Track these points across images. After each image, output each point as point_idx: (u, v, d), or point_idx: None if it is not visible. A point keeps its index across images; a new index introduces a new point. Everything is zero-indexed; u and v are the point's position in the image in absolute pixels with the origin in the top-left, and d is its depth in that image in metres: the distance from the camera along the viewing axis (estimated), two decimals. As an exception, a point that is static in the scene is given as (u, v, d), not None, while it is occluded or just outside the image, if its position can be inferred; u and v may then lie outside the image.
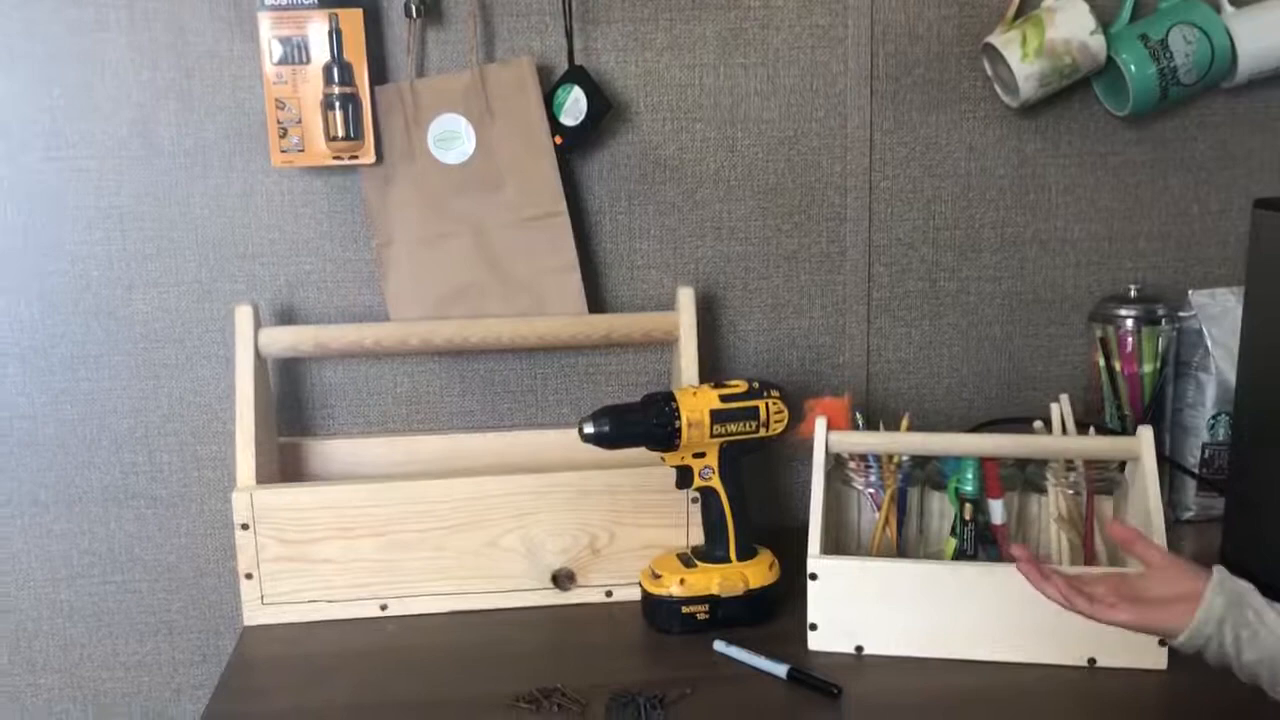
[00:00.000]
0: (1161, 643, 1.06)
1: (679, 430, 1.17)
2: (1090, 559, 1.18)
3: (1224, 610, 0.89)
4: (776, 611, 1.21)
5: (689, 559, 1.22)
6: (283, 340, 1.29)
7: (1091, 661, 1.08)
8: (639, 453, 1.19)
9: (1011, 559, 0.96)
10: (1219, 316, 1.41)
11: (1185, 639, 0.89)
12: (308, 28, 1.25)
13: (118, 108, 1.31)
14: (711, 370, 1.41)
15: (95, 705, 1.42)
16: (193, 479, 1.38)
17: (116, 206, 1.32)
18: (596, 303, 1.39)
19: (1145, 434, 1.12)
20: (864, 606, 1.12)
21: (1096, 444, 1.16)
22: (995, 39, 1.34)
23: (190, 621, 1.42)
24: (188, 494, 1.39)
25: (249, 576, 1.23)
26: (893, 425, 1.26)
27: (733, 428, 1.19)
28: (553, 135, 1.32)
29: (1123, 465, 1.19)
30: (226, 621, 1.40)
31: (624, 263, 1.41)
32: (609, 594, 1.27)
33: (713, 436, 1.18)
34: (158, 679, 1.42)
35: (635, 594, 1.23)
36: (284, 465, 1.34)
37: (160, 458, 1.38)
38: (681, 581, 1.19)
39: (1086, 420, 1.32)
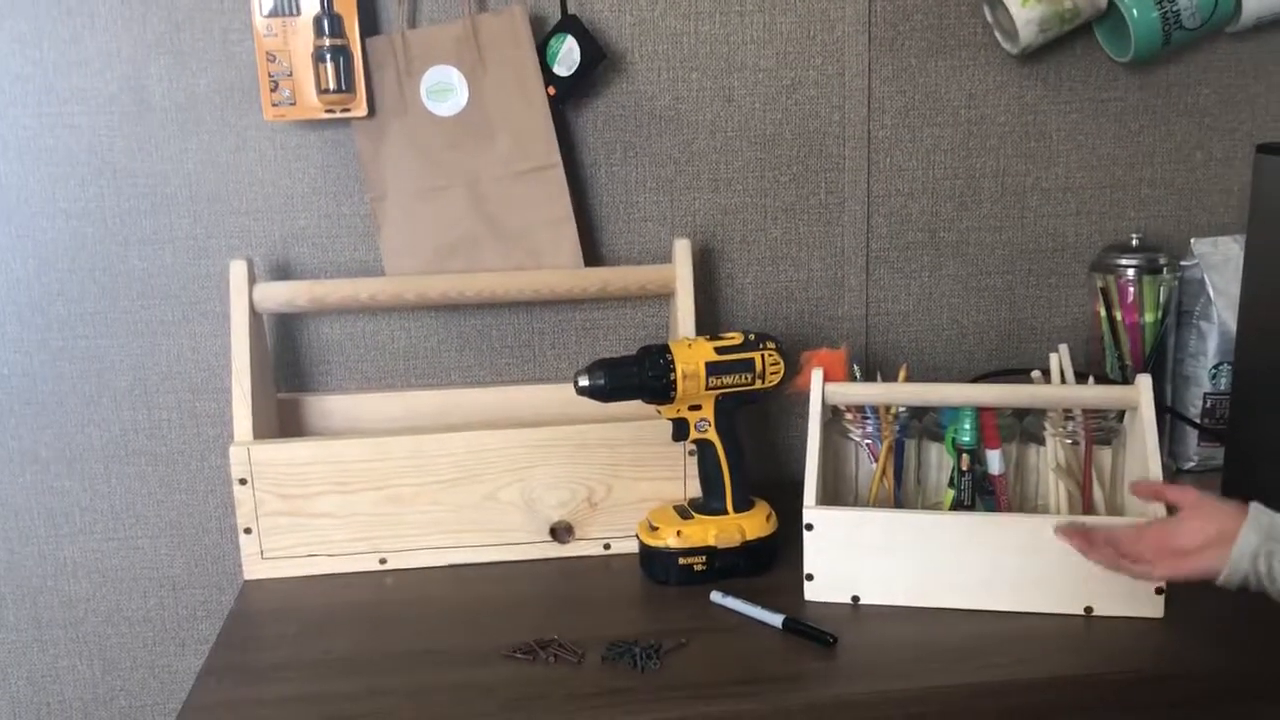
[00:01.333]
0: (1159, 591, 1.06)
1: (674, 383, 1.16)
2: (1088, 508, 1.17)
3: (1258, 545, 0.91)
4: (773, 563, 1.21)
5: (686, 511, 1.23)
6: (278, 295, 1.29)
7: (1088, 610, 1.08)
8: (635, 406, 1.19)
9: (1009, 509, 0.97)
10: (1221, 265, 1.39)
11: (1224, 579, 0.92)
12: (297, -22, 1.24)
13: (108, 63, 1.30)
14: (709, 323, 1.41)
15: (101, 660, 1.44)
16: (192, 435, 1.39)
17: (109, 163, 1.32)
18: (592, 256, 1.38)
19: (1144, 383, 1.11)
20: (860, 557, 1.12)
21: (1094, 394, 1.15)
22: (995, -17, 1.32)
23: (193, 577, 1.43)
24: (187, 450, 1.39)
25: (248, 531, 1.23)
26: (891, 377, 1.25)
27: (728, 380, 1.19)
28: (546, 86, 1.30)
29: (1121, 415, 1.18)
30: (228, 577, 1.41)
31: (620, 215, 1.40)
32: (607, 546, 1.27)
33: (708, 389, 1.18)
34: (162, 634, 1.44)
35: (633, 546, 1.24)
36: (283, 421, 1.34)
37: (159, 414, 1.38)
38: (678, 533, 1.19)
39: (1088, 370, 1.32)
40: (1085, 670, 1.01)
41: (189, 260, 1.35)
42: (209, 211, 1.34)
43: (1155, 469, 1.09)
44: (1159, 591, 1.05)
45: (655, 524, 1.21)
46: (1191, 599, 1.03)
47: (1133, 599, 1.06)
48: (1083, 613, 1.08)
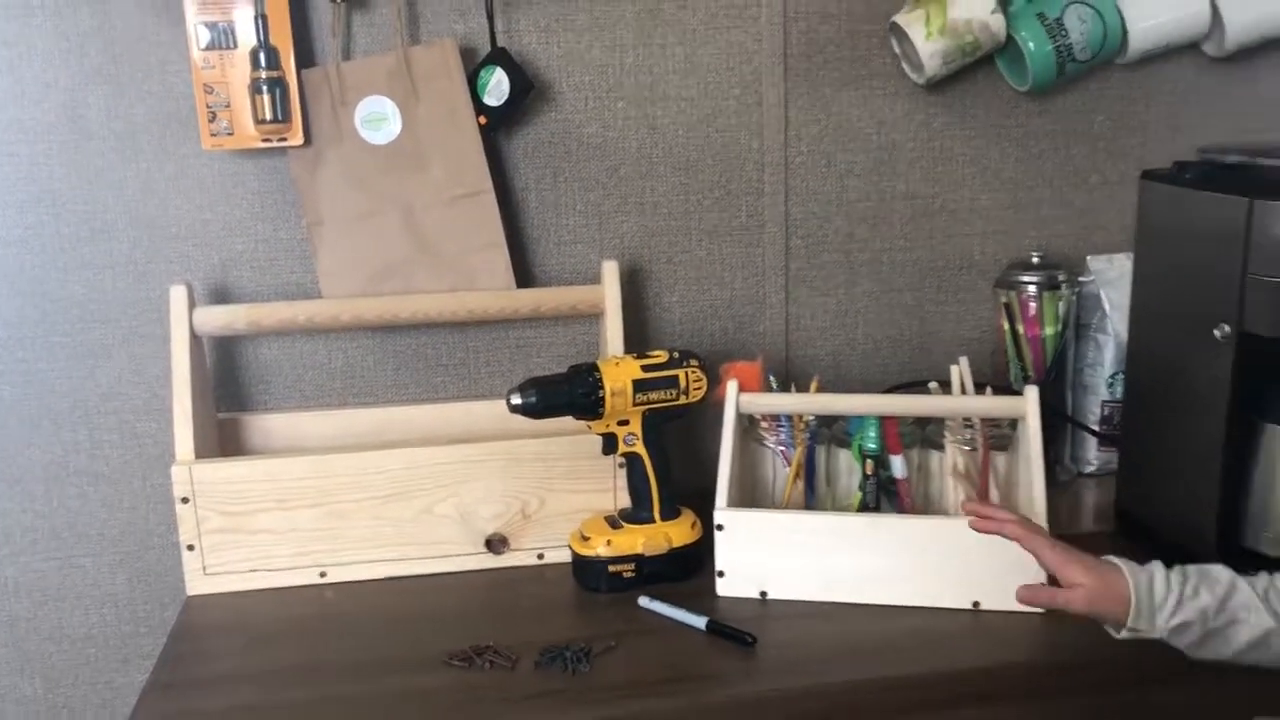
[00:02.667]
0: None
1: (603, 399, 1.22)
2: (987, 511, 1.26)
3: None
4: (698, 567, 1.27)
5: (616, 521, 1.28)
6: (217, 319, 1.33)
7: (976, 605, 1.16)
8: (566, 422, 1.24)
9: (912, 511, 1.04)
10: (1116, 281, 1.49)
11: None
12: (233, 13, 1.28)
13: (46, 93, 1.33)
14: (638, 341, 1.47)
15: (43, 678, 1.46)
16: (133, 455, 1.42)
17: (49, 191, 1.35)
18: (524, 277, 1.44)
19: (1031, 394, 1.20)
20: (768, 555, 1.19)
21: (985, 403, 1.24)
22: (901, 18, 1.40)
23: (135, 593, 1.46)
24: (129, 470, 1.42)
25: (191, 548, 1.27)
26: (806, 388, 1.32)
27: (654, 396, 1.25)
28: (477, 115, 1.36)
29: (1015, 423, 1.26)
30: (171, 593, 1.44)
31: (550, 238, 1.46)
32: (540, 556, 1.33)
33: (635, 405, 1.24)
34: (104, 650, 1.46)
35: (565, 556, 1.29)
36: (223, 440, 1.38)
37: (100, 435, 1.41)
38: (608, 542, 1.25)
39: (993, 381, 1.40)
40: (981, 662, 1.09)
41: (129, 285, 1.38)
42: (148, 237, 1.38)
43: (1038, 474, 1.17)
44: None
45: (586, 534, 1.27)
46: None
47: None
48: (971, 606, 1.16)
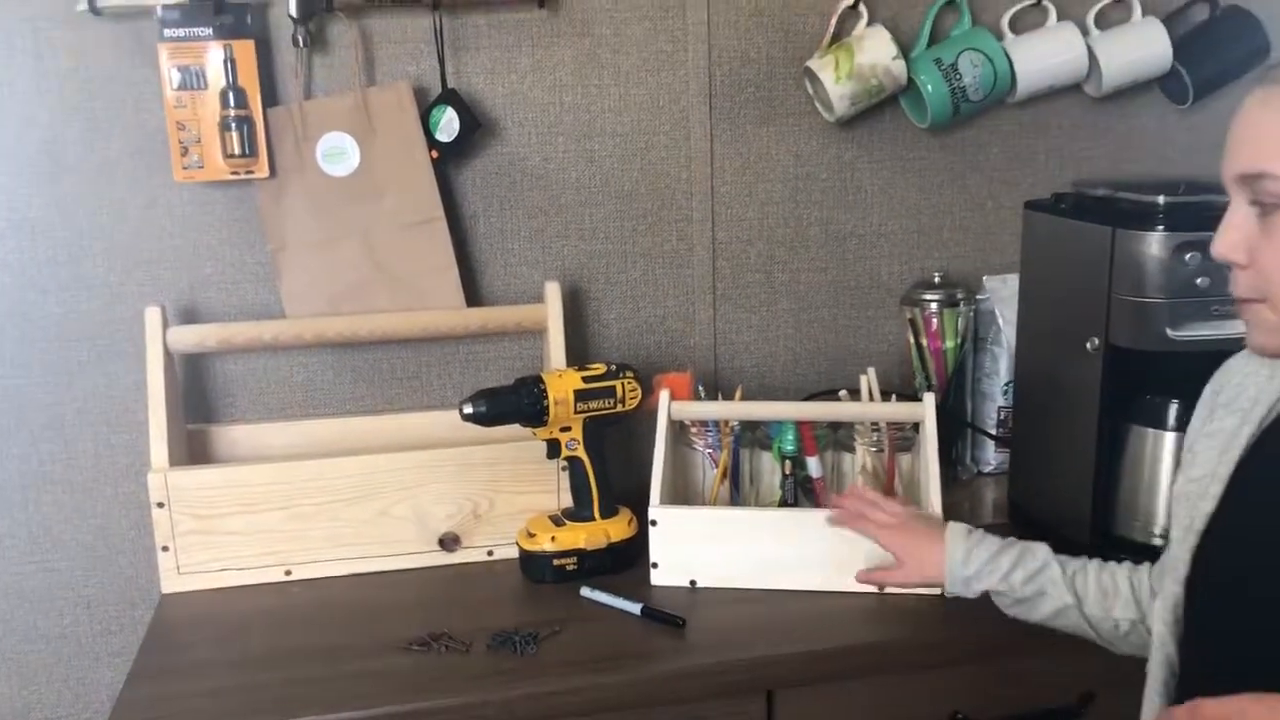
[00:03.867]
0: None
1: (547, 408, 1.35)
2: (892, 506, 1.40)
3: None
4: (635, 560, 1.39)
5: (559, 519, 1.41)
6: (189, 338, 1.43)
7: (881, 588, 1.30)
8: (514, 429, 1.36)
9: (828, 507, 1.19)
10: (1009, 298, 1.64)
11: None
12: (204, 57, 1.39)
13: (26, 128, 1.42)
14: (579, 354, 1.60)
15: (18, 676, 1.54)
16: (106, 464, 1.52)
17: (28, 219, 1.45)
18: (474, 297, 1.56)
19: (929, 400, 1.35)
20: (697, 548, 1.32)
21: (889, 409, 1.39)
22: (813, 63, 1.55)
23: (107, 595, 1.55)
24: (102, 478, 1.52)
25: (165, 549, 1.37)
26: (731, 397, 1.46)
27: (594, 404, 1.37)
28: (429, 150, 1.48)
29: (918, 426, 1.41)
30: (142, 594, 1.54)
31: (497, 261, 1.58)
32: (490, 553, 1.44)
33: (577, 413, 1.37)
34: (77, 649, 1.55)
35: (513, 552, 1.41)
36: (192, 450, 1.48)
37: (76, 446, 1.51)
38: (553, 538, 1.37)
39: (901, 390, 1.55)
40: (883, 638, 1.24)
41: (103, 306, 1.48)
42: (121, 262, 1.48)
43: (933, 472, 1.32)
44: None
45: (532, 531, 1.39)
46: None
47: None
48: (876, 590, 1.30)
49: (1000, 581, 1.15)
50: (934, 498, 1.31)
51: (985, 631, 1.25)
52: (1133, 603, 1.12)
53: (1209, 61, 1.64)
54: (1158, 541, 1.34)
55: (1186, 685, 0.97)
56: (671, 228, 1.62)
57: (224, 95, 1.41)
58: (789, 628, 1.25)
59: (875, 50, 1.53)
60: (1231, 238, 0.85)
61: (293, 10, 1.41)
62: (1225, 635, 0.93)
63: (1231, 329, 1.23)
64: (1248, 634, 0.91)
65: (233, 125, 1.41)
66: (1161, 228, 1.25)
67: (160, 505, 1.36)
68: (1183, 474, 1.01)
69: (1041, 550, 1.17)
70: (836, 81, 1.53)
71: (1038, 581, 1.15)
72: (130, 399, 1.50)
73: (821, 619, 1.27)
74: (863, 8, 1.55)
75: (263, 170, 1.44)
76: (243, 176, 1.44)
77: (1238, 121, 0.86)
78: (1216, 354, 1.23)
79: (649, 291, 1.63)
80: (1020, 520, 1.49)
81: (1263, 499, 0.93)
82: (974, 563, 1.17)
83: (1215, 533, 0.95)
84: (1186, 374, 1.31)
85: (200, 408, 1.54)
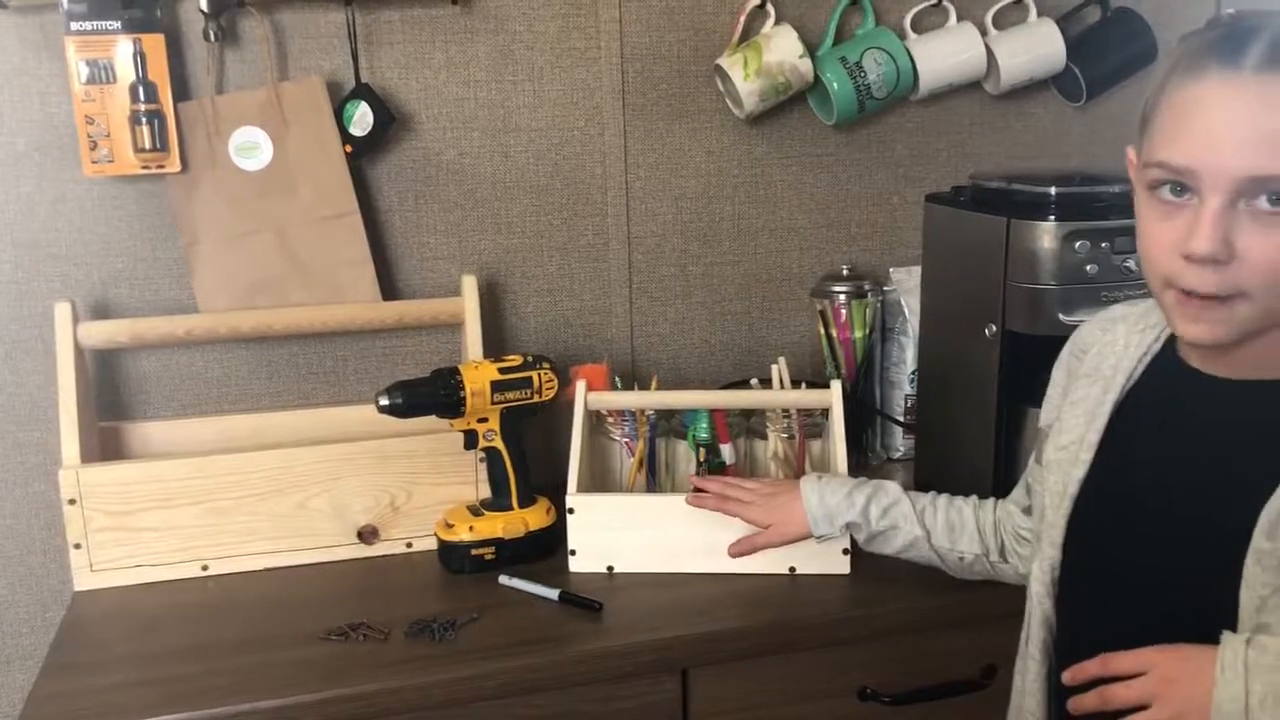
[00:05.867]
0: (845, 551, 1.33)
1: (464, 399, 1.36)
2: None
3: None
4: (553, 548, 1.41)
5: (477, 509, 1.42)
6: (101, 333, 1.42)
7: (792, 569, 1.34)
8: (431, 421, 1.37)
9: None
10: (914, 289, 1.69)
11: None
12: (113, 50, 1.38)
13: (-72, 122, 1.40)
14: (496, 347, 1.61)
15: (-75, 681, 1.52)
16: (15, 463, 1.50)
17: (-70, 214, 1.42)
18: (390, 291, 1.57)
19: (836, 387, 1.40)
20: (614, 534, 1.35)
21: (798, 396, 1.43)
22: (723, 61, 1.59)
23: (18, 596, 1.53)
24: (11, 478, 1.50)
25: (78, 546, 1.36)
26: (646, 388, 1.49)
27: (511, 395, 1.39)
28: (343, 144, 1.49)
29: (827, 413, 1.46)
30: (53, 594, 1.52)
31: (414, 255, 1.59)
32: (409, 545, 1.45)
33: (494, 403, 1.38)
34: (-13, 652, 1.53)
35: (432, 544, 1.42)
36: (104, 447, 1.46)
37: (-17, 445, 1.49)
38: (471, 528, 1.39)
39: (812, 379, 1.60)
40: (792, 616, 1.27)
41: (10, 302, 1.46)
42: (29, 258, 1.46)
43: (841, 455, 1.36)
44: (845, 552, 1.33)
45: (451, 521, 1.40)
46: (870, 557, 1.31)
47: (826, 559, 1.33)
48: (788, 571, 1.34)
49: (858, 515, 1.24)
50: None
51: (892, 609, 1.30)
52: (977, 537, 1.22)
53: (1101, 61, 1.71)
54: (1054, 519, 1.40)
55: (1064, 643, 1.02)
56: (587, 222, 1.65)
57: (134, 89, 1.40)
58: (703, 609, 1.28)
59: (782, 49, 1.57)
60: (1217, 235, 0.84)
61: (204, 4, 1.41)
62: (1101, 595, 0.99)
63: (1119, 314, 1.31)
64: (1123, 591, 0.96)
65: (143, 119, 1.40)
66: (1053, 218, 1.31)
67: (72, 502, 1.35)
68: (1050, 443, 1.05)
69: (893, 487, 1.26)
70: (745, 79, 1.56)
71: (891, 516, 1.24)
72: (40, 396, 1.48)
73: (734, 600, 1.30)
74: (770, 7, 1.60)
75: (174, 165, 1.44)
76: (154, 171, 1.43)
77: (1231, 117, 0.83)
78: (1105, 338, 1.31)
79: (566, 285, 1.66)
80: (926, 502, 1.54)
81: (1130, 461, 0.98)
82: (829, 500, 1.25)
83: (1087, 496, 1.00)
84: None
85: (113, 405, 1.53)
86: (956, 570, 1.25)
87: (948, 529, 1.23)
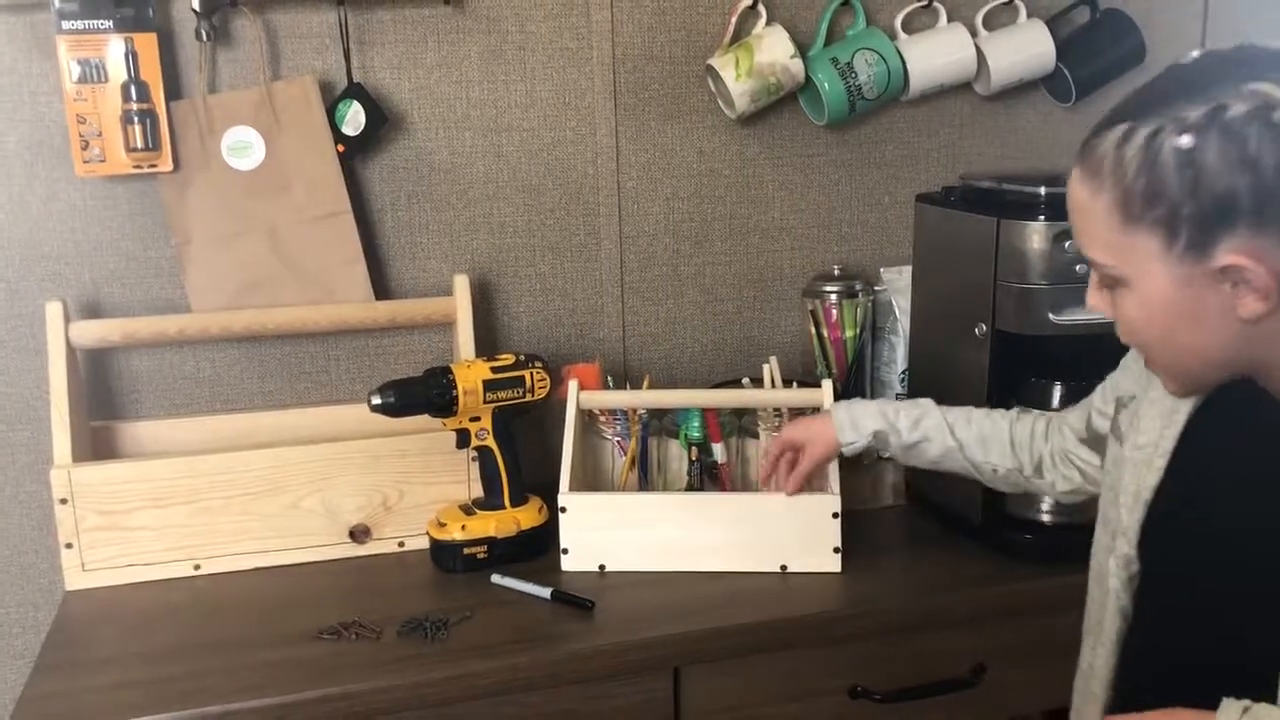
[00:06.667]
0: (836, 550, 1.34)
1: (456, 398, 1.36)
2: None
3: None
4: (545, 547, 1.42)
5: (470, 508, 1.42)
6: (93, 332, 1.42)
7: (784, 568, 1.35)
8: (423, 420, 1.38)
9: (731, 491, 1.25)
10: (905, 289, 1.70)
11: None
12: (105, 50, 1.38)
13: (-82, 121, 1.40)
14: (488, 346, 1.61)
15: (-85, 681, 1.51)
16: (6, 463, 1.49)
17: (-79, 213, 1.42)
18: (382, 290, 1.57)
19: (826, 386, 1.40)
20: (606, 533, 1.35)
21: (789, 395, 1.44)
22: (715, 61, 1.59)
23: (8, 596, 1.52)
24: (2, 477, 1.50)
25: (69, 546, 1.36)
26: (638, 387, 1.50)
27: (503, 394, 1.39)
28: (336, 144, 1.49)
29: (816, 411, 1.46)
30: (44, 594, 1.52)
31: (406, 254, 1.60)
32: (401, 544, 1.46)
33: (486, 402, 1.39)
34: (-23, 652, 1.53)
35: (424, 543, 1.42)
36: (96, 447, 1.46)
37: (-27, 445, 1.48)
38: (463, 527, 1.39)
39: (803, 378, 1.60)
40: (784, 614, 1.28)
41: (2, 301, 1.46)
42: (20, 257, 1.46)
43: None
44: (836, 551, 1.33)
45: (443, 521, 1.41)
46: (862, 556, 1.31)
47: (817, 557, 1.33)
48: (780, 569, 1.35)
49: (885, 423, 1.28)
50: (833, 480, 1.35)
51: (883, 608, 1.30)
52: (1009, 451, 1.26)
53: (1090, 62, 1.72)
54: (1045, 519, 1.41)
55: (1138, 634, 1.02)
56: (579, 222, 1.65)
57: (125, 89, 1.40)
58: (695, 607, 1.29)
59: (774, 49, 1.57)
60: (1092, 296, 0.93)
61: (196, 4, 1.41)
62: (1173, 604, 0.98)
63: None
64: (1192, 603, 0.96)
65: (135, 119, 1.40)
66: (1043, 218, 1.32)
67: (64, 501, 1.35)
68: (1129, 440, 1.03)
69: (925, 401, 1.29)
70: (737, 79, 1.57)
71: (922, 427, 1.27)
72: (31, 396, 1.48)
73: (726, 598, 1.30)
74: (761, 8, 1.60)
75: (166, 164, 1.44)
76: (146, 170, 1.43)
77: (1068, 192, 0.91)
78: (1096, 338, 1.31)
79: (558, 284, 1.66)
80: (917, 502, 1.55)
81: (1203, 476, 0.97)
82: (855, 409, 1.29)
83: (1160, 504, 0.99)
84: (1068, 357, 1.39)
85: (105, 405, 1.52)
86: (991, 481, 1.28)
87: (980, 442, 1.26)
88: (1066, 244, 1.31)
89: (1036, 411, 1.27)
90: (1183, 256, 0.83)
